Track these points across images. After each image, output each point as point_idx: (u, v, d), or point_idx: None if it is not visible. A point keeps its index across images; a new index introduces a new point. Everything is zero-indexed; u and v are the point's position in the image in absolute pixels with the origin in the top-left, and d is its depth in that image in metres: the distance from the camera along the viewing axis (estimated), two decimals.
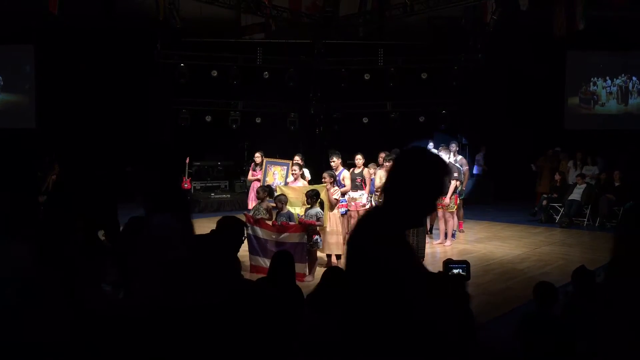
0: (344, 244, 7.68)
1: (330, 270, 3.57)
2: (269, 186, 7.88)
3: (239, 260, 4.34)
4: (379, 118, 14.56)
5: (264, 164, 9.14)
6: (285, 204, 6.93)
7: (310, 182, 8.37)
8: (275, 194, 7.97)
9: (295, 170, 8.01)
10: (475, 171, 13.94)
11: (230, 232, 3.77)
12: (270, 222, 6.83)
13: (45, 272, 2.31)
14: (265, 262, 6.40)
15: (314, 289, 3.48)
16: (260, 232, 6.79)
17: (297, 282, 4.20)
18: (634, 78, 15.60)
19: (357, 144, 10.40)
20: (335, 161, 8.27)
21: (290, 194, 7.29)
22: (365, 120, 14.64)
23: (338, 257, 7.23)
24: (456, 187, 8.78)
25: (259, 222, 6.81)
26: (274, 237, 6.66)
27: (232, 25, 14.22)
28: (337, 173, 7.98)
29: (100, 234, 4.48)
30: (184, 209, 2.33)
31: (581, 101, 15.80)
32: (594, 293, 3.66)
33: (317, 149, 14.28)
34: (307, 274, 6.70)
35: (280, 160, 9.45)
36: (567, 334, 3.37)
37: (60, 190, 4.32)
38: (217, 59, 13.76)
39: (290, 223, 6.66)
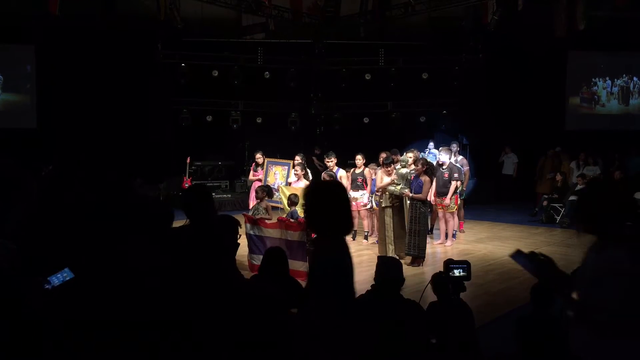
0: None
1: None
2: (267, 186, 7.88)
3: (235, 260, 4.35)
4: (379, 118, 14.54)
5: (265, 164, 9.13)
6: (295, 205, 6.94)
7: None
8: (277, 194, 7.98)
9: (297, 171, 8.00)
10: (508, 172, 13.92)
11: (225, 230, 3.77)
12: (272, 221, 6.82)
13: None
14: None
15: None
16: (261, 230, 6.80)
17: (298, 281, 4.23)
18: (635, 78, 15.59)
19: (358, 144, 10.40)
20: (333, 161, 8.28)
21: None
22: (366, 120, 14.63)
23: None
24: (456, 188, 8.76)
25: (258, 222, 6.81)
26: (274, 235, 6.67)
27: (233, 25, 14.22)
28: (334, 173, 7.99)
29: None
30: None
31: (582, 101, 15.79)
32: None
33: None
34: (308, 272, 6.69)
35: (281, 160, 9.45)
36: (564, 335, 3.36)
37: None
38: (218, 58, 13.75)
39: (291, 220, 6.67)
